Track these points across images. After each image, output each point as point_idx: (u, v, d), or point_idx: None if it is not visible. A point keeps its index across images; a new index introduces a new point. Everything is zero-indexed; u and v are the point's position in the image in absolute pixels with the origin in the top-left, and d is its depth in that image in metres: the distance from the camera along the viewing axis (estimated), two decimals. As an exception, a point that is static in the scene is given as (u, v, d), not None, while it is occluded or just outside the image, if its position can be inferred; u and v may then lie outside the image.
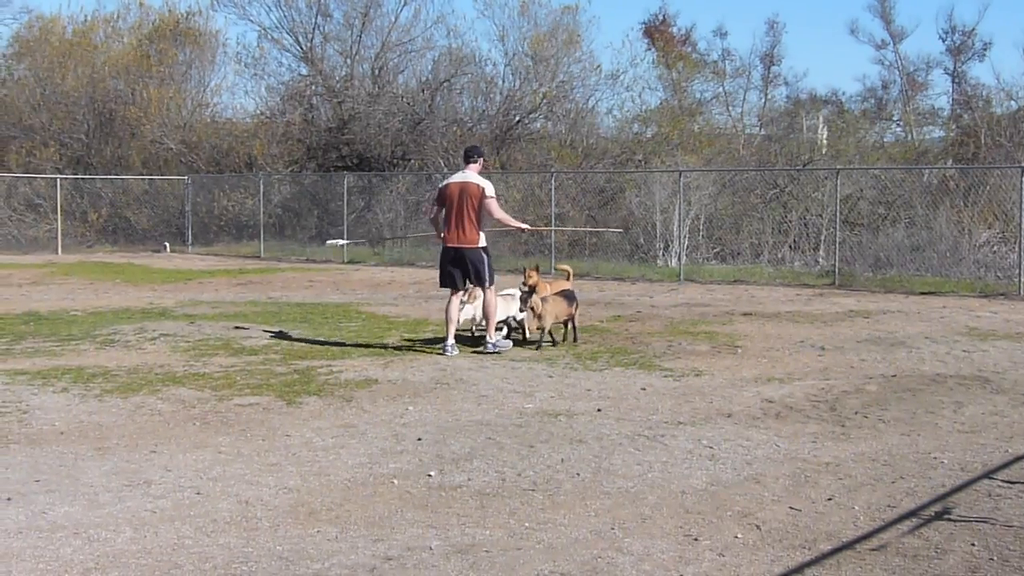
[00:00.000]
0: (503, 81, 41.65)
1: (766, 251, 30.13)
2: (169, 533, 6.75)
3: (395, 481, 8.00)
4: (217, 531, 6.81)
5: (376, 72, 41.97)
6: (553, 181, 31.13)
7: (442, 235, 14.38)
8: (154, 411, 10.47)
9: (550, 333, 14.77)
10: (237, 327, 14.50)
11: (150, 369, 12.80)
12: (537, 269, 15.13)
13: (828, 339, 15.33)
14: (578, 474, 8.21)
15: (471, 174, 14.32)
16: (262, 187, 37.75)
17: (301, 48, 43.48)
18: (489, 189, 14.22)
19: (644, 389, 11.69)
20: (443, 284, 14.58)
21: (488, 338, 14.29)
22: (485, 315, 14.46)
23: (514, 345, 14.68)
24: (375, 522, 7.01)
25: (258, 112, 45.23)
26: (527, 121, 40.58)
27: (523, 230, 16.55)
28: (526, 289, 14.43)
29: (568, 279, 16.57)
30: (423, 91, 41.07)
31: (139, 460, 8.62)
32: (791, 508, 7.34)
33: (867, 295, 22.32)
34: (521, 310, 14.55)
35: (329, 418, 10.21)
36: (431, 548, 6.46)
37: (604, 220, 33.00)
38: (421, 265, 31.52)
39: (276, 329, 16.36)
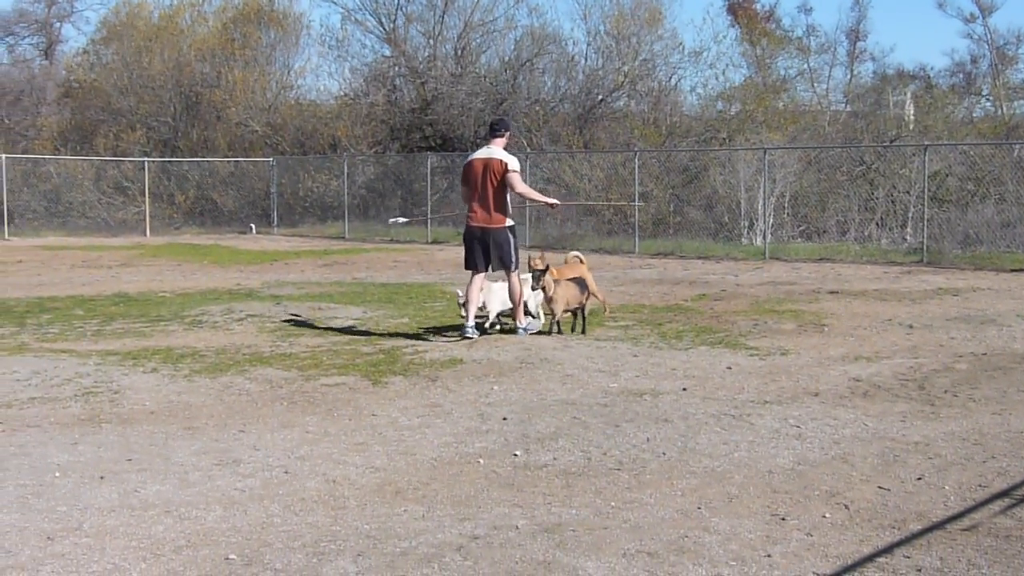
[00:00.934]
0: (585, 60, 41.61)
1: (852, 229, 29.81)
2: (258, 511, 6.82)
3: (481, 460, 8.02)
4: (305, 510, 6.86)
5: (459, 52, 42.05)
6: (636, 160, 31.04)
7: (469, 212, 13.86)
8: (242, 391, 10.58)
9: (558, 324, 13.96)
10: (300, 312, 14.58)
11: (237, 349, 12.93)
12: (542, 257, 14.18)
13: (916, 317, 15.15)
14: (664, 453, 8.17)
15: (495, 149, 13.69)
16: (346, 168, 37.98)
17: (384, 29, 43.68)
18: (513, 163, 13.62)
19: (730, 368, 11.61)
20: (468, 266, 13.94)
21: (518, 323, 13.81)
22: (512, 300, 13.87)
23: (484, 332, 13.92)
24: (461, 501, 7.03)
25: (342, 94, 45.56)
26: (610, 100, 40.47)
27: (552, 205, 15.50)
28: (542, 268, 13.54)
29: (582, 264, 15.74)
30: (505, 71, 41.09)
31: (228, 439, 8.71)
32: (880, 488, 7.26)
33: (956, 272, 22.03)
34: (533, 288, 13.81)
35: (415, 398, 10.25)
36: (517, 527, 6.46)
37: (688, 198, 32.84)
38: (504, 245, 31.54)
39: (361, 309, 16.46)
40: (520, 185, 13.71)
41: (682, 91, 42.11)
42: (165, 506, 6.93)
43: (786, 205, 30.45)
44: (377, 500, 7.05)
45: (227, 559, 5.96)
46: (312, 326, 14.84)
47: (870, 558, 5.97)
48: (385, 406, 9.88)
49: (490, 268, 13.79)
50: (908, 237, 28.55)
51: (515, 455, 8.15)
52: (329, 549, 6.10)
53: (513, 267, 13.68)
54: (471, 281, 13.68)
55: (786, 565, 5.86)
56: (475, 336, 13.35)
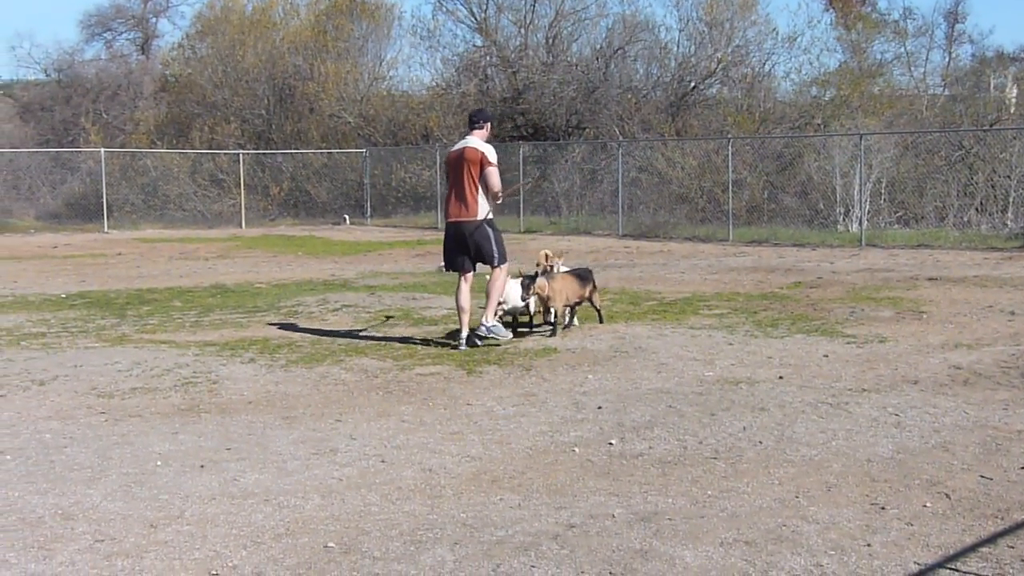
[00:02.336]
0: (677, 47, 41.37)
1: (951, 214, 29.39)
2: (355, 500, 6.87)
3: (576, 449, 8.01)
4: (402, 498, 6.90)
5: (550, 41, 41.99)
6: (730, 147, 30.86)
7: (444, 209, 12.95)
8: (338, 381, 10.66)
9: (554, 321, 13.11)
10: (388, 317, 14.59)
11: (333, 340, 13.03)
12: (548, 258, 13.73)
13: (1018, 304, 14.89)
14: (760, 442, 8.11)
15: (472, 139, 12.67)
16: (438, 158, 38.08)
17: (475, 19, 43.74)
18: (490, 155, 12.51)
19: (826, 356, 11.50)
20: (448, 267, 12.96)
21: (484, 320, 12.56)
22: (488, 291, 12.75)
23: (517, 333, 13.24)
24: (557, 490, 7.02)
25: (433, 84, 45.71)
26: (702, 87, 40.22)
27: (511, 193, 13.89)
28: (538, 271, 12.93)
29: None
30: (597, 59, 40.98)
31: (325, 429, 8.78)
32: (982, 477, 7.15)
33: (1058, 258, 21.62)
34: (523, 298, 12.81)
35: (509, 387, 10.27)
36: (614, 516, 6.45)
37: (782, 185, 32.56)
38: (598, 234, 31.55)
39: (454, 299, 16.49)
40: (496, 183, 12.52)
41: (776, 77, 41.71)
42: (264, 495, 7.01)
43: (882, 191, 30.07)
44: (473, 489, 7.08)
45: (326, 547, 6.01)
46: (406, 316, 14.91)
47: (973, 548, 5.89)
48: (480, 395, 9.91)
49: (476, 267, 12.80)
50: (1009, 222, 28.07)
51: (610, 444, 8.13)
52: (426, 537, 6.13)
53: (496, 261, 12.60)
54: (458, 286, 12.68)
55: (886, 555, 5.79)
56: (465, 346, 12.31)
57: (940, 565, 5.66)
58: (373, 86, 47.12)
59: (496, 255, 12.58)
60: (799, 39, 41.05)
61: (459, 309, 12.52)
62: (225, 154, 41.86)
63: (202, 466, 7.71)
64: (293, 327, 14.11)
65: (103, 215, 37.09)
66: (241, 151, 41.59)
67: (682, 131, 38.02)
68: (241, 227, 38.13)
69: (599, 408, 9.28)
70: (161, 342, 13.01)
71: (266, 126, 46.03)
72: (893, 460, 7.57)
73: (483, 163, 12.40)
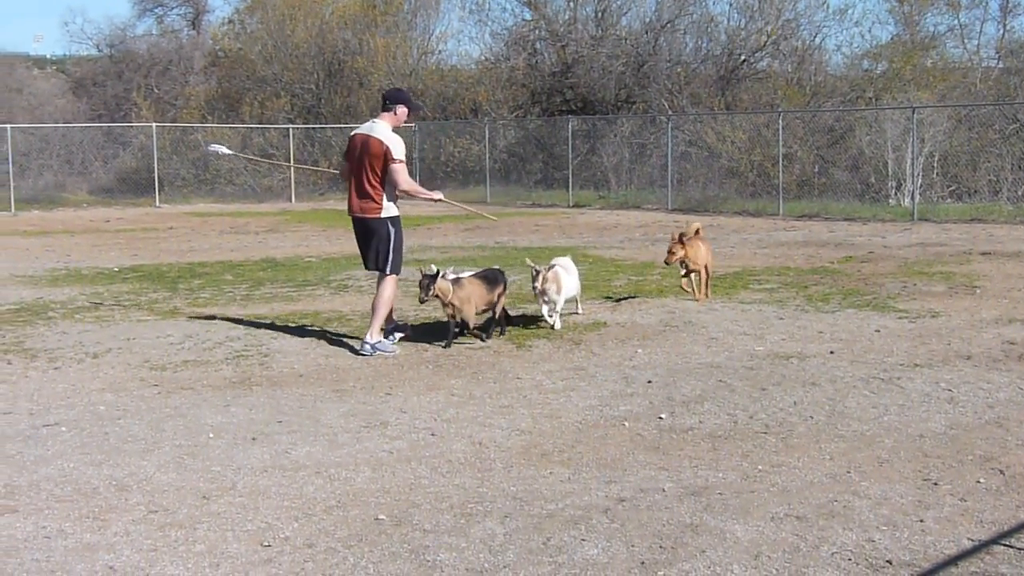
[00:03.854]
0: (727, 20, 41.14)
1: (1005, 188, 29.09)
2: (406, 473, 6.89)
3: (626, 423, 8.00)
4: (452, 471, 6.92)
5: (599, 15, 41.85)
6: (780, 121, 30.67)
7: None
8: (387, 354, 10.69)
9: (478, 329, 11.53)
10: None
11: (383, 313, 13.05)
12: (682, 239, 13.19)
13: (1073, 279, 14.75)
14: (811, 417, 8.08)
15: (379, 125, 10.98)
16: (487, 133, 38.10)
17: (525, -8, 43.61)
18: (396, 150, 10.82)
19: (878, 331, 11.42)
20: (366, 266, 11.45)
21: (368, 336, 10.88)
22: (374, 307, 11.09)
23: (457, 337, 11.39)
24: (607, 464, 7.02)
25: (482, 58, 45.66)
26: (752, 60, 39.96)
27: (436, 200, 11.65)
28: (431, 274, 10.94)
29: (698, 233, 13.76)
30: (646, 32, 40.80)
31: (375, 402, 8.81)
32: (1036, 453, 7.09)
33: (1114, 233, 21.37)
34: (422, 300, 10.98)
35: (559, 361, 10.26)
36: (664, 490, 6.44)
37: (833, 159, 32.32)
38: (647, 208, 31.47)
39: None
40: (406, 181, 10.96)
41: (827, 50, 41.46)
42: (315, 467, 7.05)
43: (935, 165, 29.79)
44: (523, 462, 7.09)
45: (377, 519, 6.04)
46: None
47: (1027, 524, 5.85)
48: (529, 369, 9.91)
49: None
50: (1065, 196, 27.78)
51: (660, 418, 8.12)
52: (476, 510, 6.15)
53: (388, 269, 11.04)
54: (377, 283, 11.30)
55: (939, 531, 5.76)
56: (376, 352, 10.75)
57: (994, 541, 5.62)
58: (422, 60, 47.13)
59: (390, 262, 11.03)
60: (850, 11, 40.94)
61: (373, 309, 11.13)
62: (275, 129, 41.99)
63: (254, 438, 7.76)
64: (343, 300, 14.15)
65: (155, 189, 37.33)
66: (291, 126, 41.72)
67: (732, 105, 37.81)
68: (291, 201, 38.29)
69: (649, 382, 9.27)
70: (212, 315, 13.08)
71: (315, 100, 46.11)
72: (946, 436, 7.52)
73: (387, 158, 10.78)
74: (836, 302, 13.33)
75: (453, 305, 10.97)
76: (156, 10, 62.89)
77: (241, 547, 5.68)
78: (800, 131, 32.90)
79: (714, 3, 42.09)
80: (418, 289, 10.99)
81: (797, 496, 6.30)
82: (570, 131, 35.46)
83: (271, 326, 12.27)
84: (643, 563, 5.38)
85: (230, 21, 53.55)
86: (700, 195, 31.97)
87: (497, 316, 11.58)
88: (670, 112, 35.28)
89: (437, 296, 10.88)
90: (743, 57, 39.77)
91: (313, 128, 43.09)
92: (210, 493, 6.54)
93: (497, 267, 12.29)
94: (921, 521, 5.88)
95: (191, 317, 13.01)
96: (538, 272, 11.45)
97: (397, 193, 11.03)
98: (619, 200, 33.66)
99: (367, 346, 10.76)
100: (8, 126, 38.27)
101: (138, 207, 35.84)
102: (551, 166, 37.45)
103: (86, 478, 6.86)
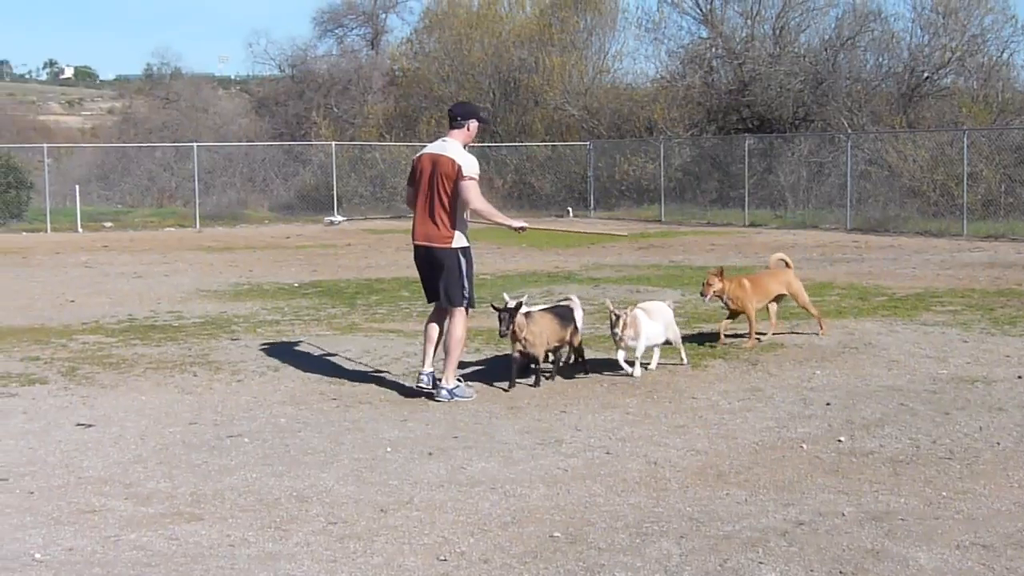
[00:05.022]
0: (910, 37, 40.29)
1: None
2: (580, 491, 6.89)
3: (804, 445, 7.88)
4: (627, 490, 6.89)
5: (777, 32, 41.41)
6: (965, 139, 29.91)
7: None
8: (562, 372, 10.69)
9: (537, 370, 10.38)
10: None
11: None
12: (722, 273, 12.08)
13: None
14: (998, 443, 7.85)
15: (450, 144, 10.02)
16: (662, 151, 37.95)
17: (701, 11, 43.41)
18: (468, 167, 9.80)
19: (1068, 356, 11.07)
20: (429, 298, 10.23)
21: (444, 382, 9.77)
22: (447, 348, 9.88)
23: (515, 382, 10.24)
24: (784, 486, 6.92)
25: (658, 76, 45.52)
26: (935, 77, 39.07)
27: (519, 229, 10.66)
28: (512, 307, 10.01)
29: (788, 267, 12.75)
30: (825, 50, 40.23)
31: (550, 419, 8.83)
32: None
33: None
34: (502, 334, 10.00)
35: (735, 381, 10.16)
36: (843, 514, 6.32)
37: (1021, 178, 31.38)
38: (825, 228, 30.99)
39: (679, 292, 16.42)
40: (477, 199, 9.86)
41: (1014, 66, 40.21)
42: (491, 483, 7.08)
43: None
44: (699, 483, 7.03)
45: (552, 536, 6.04)
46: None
47: None
48: (705, 389, 9.84)
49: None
50: None
51: (839, 441, 7.98)
52: (652, 530, 6.11)
53: (462, 303, 9.91)
54: (430, 315, 10.29)
55: None
56: (429, 385, 9.79)
57: None
58: (597, 79, 47.19)
59: (465, 297, 9.94)
60: (1040, 26, 39.51)
61: (425, 339, 10.13)
62: (451, 147, 42.41)
63: (430, 453, 7.83)
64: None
65: (333, 206, 38.00)
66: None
67: (914, 123, 37.01)
68: (465, 218, 38.60)
69: (827, 404, 9.12)
70: (390, 331, 13.27)
71: (491, 119, 46.49)
72: None
73: (458, 177, 9.78)
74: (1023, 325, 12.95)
75: (526, 340, 9.98)
76: (336, 31, 64.20)
77: (418, 560, 5.73)
78: (986, 149, 32.02)
79: (895, 20, 41.09)
80: (497, 323, 10.04)
81: (983, 524, 6.13)
82: (746, 150, 35.12)
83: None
84: (822, 588, 5.29)
85: (408, 41, 54.53)
86: (880, 215, 31.35)
87: (570, 354, 10.83)
88: (849, 130, 34.72)
89: (514, 331, 9.91)
90: (926, 74, 38.92)
91: (489, 146, 43.46)
92: (387, 506, 6.62)
93: (568, 301, 11.23)
94: (1115, 553, 5.68)
95: (369, 332, 13.21)
96: (618, 317, 10.33)
97: (468, 211, 9.99)
98: (796, 220, 33.22)
99: (444, 391, 9.69)
100: (194, 144, 39.42)
101: (317, 224, 36.54)
102: (726, 185, 37.12)
103: (268, 488, 7.01)
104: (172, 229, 35.01)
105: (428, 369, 9.83)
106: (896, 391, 9.55)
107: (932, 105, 38.54)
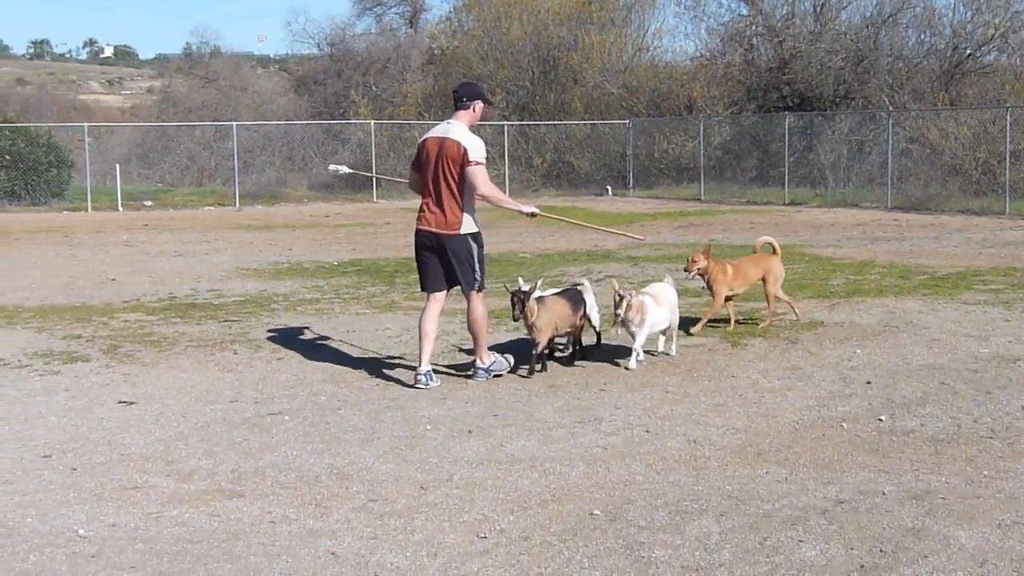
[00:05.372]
0: (952, 13, 39.94)
1: None
2: (620, 469, 6.89)
3: (844, 424, 7.86)
4: (667, 468, 6.89)
5: (818, 9, 41.13)
6: (1008, 116, 29.64)
7: (418, 212, 9.87)
8: (601, 351, 10.68)
9: (543, 356, 9.98)
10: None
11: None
12: (708, 251, 11.75)
13: None
14: (1040, 422, 7.81)
15: (456, 126, 9.78)
16: (702, 129, 37.82)
17: (741, -12, 43.17)
18: (475, 151, 9.62)
19: (1112, 335, 10.98)
20: (423, 286, 10.01)
21: (478, 362, 9.73)
22: (472, 332, 9.82)
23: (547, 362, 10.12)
24: (824, 465, 6.91)
25: (698, 54, 45.35)
26: (978, 55, 38.72)
27: (531, 215, 10.45)
28: (525, 291, 9.86)
29: (775, 253, 12.18)
30: (867, 27, 39.93)
31: (589, 398, 8.84)
32: None
33: None
34: (515, 318, 9.78)
35: (775, 360, 10.13)
36: (884, 493, 6.30)
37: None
38: (865, 206, 30.82)
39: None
40: (484, 184, 9.64)
41: (1059, 43, 39.72)
42: (530, 461, 7.10)
43: None
44: (738, 461, 7.02)
45: (591, 514, 6.05)
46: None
47: None
48: (745, 368, 9.81)
49: (461, 285, 9.86)
50: None
51: (880, 420, 7.95)
52: (692, 508, 6.11)
53: (476, 287, 9.78)
54: (426, 307, 9.86)
55: None
56: (431, 383, 9.41)
57: None
58: (636, 57, 47.04)
59: (478, 279, 9.81)
60: (1087, 2, 39.07)
61: (422, 335, 9.65)
62: (490, 125, 42.42)
63: (470, 431, 7.85)
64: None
65: (372, 185, 38.04)
66: (505, 122, 42.10)
67: (956, 100, 36.69)
68: (505, 198, 38.54)
69: (868, 383, 9.08)
70: (429, 309, 13.27)
71: (530, 97, 46.41)
72: None
73: (464, 161, 9.55)
74: (1066, 304, 12.86)
75: (535, 326, 9.73)
76: (375, 9, 64.14)
77: (458, 538, 5.75)
78: (1030, 127, 31.74)
79: (938, -4, 40.66)
80: (510, 307, 9.82)
81: (1025, 503, 6.10)
82: (786, 128, 34.94)
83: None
84: (863, 567, 5.27)
85: (447, 19, 54.47)
86: (921, 193, 31.14)
87: (576, 340, 10.49)
88: (891, 108, 34.49)
89: (526, 314, 9.69)
90: (968, 51, 38.57)
91: (527, 125, 43.40)
92: (427, 484, 6.64)
93: (580, 285, 10.97)
94: None
95: (408, 311, 13.23)
96: (622, 298, 9.87)
97: (477, 196, 9.70)
98: (836, 198, 33.03)
99: (481, 372, 9.65)
100: (234, 124, 39.59)
101: (356, 203, 36.62)
102: (766, 163, 36.94)
103: (308, 466, 7.05)
104: (211, 208, 35.18)
105: (426, 368, 9.45)
106: (937, 370, 9.50)
107: (974, 82, 38.19)
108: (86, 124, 41.59)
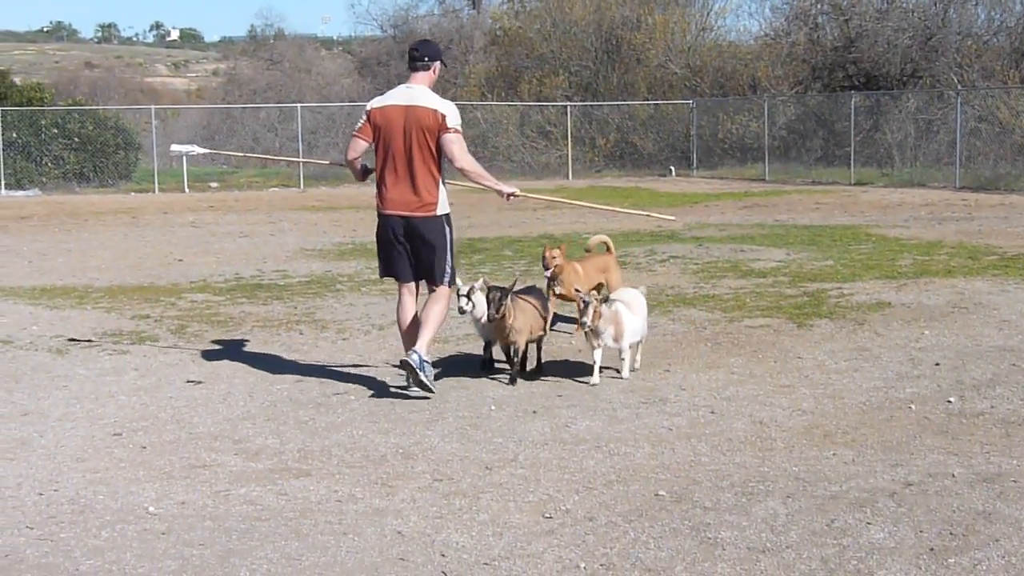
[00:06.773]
0: (1024, -10, 39.37)
1: None
2: (685, 450, 6.87)
3: (912, 406, 7.78)
4: (732, 450, 6.86)
5: (885, -13, 40.71)
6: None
7: (378, 195, 8.79)
8: (667, 332, 10.66)
9: (521, 361, 8.93)
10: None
11: (661, 290, 13.02)
12: (562, 251, 10.57)
13: None
14: (1113, 405, 7.70)
15: (420, 90, 8.53)
16: (766, 109, 37.54)
17: (806, -34, 42.79)
18: (452, 117, 8.45)
19: None
20: (385, 272, 8.91)
21: (418, 347, 8.31)
22: (424, 319, 8.52)
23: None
24: (892, 446, 6.84)
25: (762, 33, 45.07)
26: (1051, 31, 38.15)
27: (509, 196, 9.16)
28: (505, 287, 8.88)
29: (609, 251, 11.32)
30: (935, 4, 39.44)
31: (654, 379, 8.81)
32: None
33: None
34: (491, 319, 8.60)
35: (841, 341, 10.05)
36: (953, 475, 6.23)
37: None
38: (933, 186, 30.48)
39: (783, 251, 16.27)
40: (463, 156, 8.56)
41: None
42: (595, 441, 7.09)
43: None
44: (805, 443, 6.97)
45: (657, 495, 6.03)
46: (735, 268, 14.78)
47: None
48: (811, 349, 9.74)
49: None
50: None
51: (949, 402, 7.87)
52: (758, 489, 6.08)
53: (447, 279, 8.67)
54: (399, 301, 8.85)
55: None
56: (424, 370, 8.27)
57: None
58: (700, 36, 46.81)
59: (449, 271, 8.72)
60: None
61: (400, 328, 8.84)
62: (553, 106, 42.37)
63: (534, 411, 7.86)
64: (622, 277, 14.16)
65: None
66: (568, 103, 42.02)
67: (1029, 79, 36.22)
68: (568, 179, 38.53)
69: (936, 365, 8.98)
70: (493, 290, 13.27)
71: (593, 78, 46.28)
72: None
73: (441, 129, 8.41)
74: None
75: (514, 328, 8.72)
76: (438, -9, 64.19)
77: (523, 518, 5.76)
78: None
79: (1008, -28, 40.08)
80: (485, 305, 8.64)
81: (1098, 487, 6.02)
82: (852, 107, 34.61)
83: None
84: (932, 549, 5.22)
85: (510, 0, 54.30)
86: (990, 173, 30.75)
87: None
88: (959, 87, 34.06)
89: (503, 314, 8.62)
90: (1039, 28, 38.08)
91: (591, 105, 43.28)
92: (492, 464, 6.65)
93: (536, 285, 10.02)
94: None
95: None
96: (586, 304, 8.57)
97: (456, 168, 8.70)
98: (903, 178, 32.70)
99: (416, 355, 8.23)
100: (298, 105, 39.80)
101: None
102: (832, 143, 36.60)
103: (374, 445, 7.08)
104: (276, 189, 35.40)
105: (425, 357, 8.27)
106: (1007, 351, 9.39)
107: (1046, 60, 37.69)
108: (153, 107, 42.01)
